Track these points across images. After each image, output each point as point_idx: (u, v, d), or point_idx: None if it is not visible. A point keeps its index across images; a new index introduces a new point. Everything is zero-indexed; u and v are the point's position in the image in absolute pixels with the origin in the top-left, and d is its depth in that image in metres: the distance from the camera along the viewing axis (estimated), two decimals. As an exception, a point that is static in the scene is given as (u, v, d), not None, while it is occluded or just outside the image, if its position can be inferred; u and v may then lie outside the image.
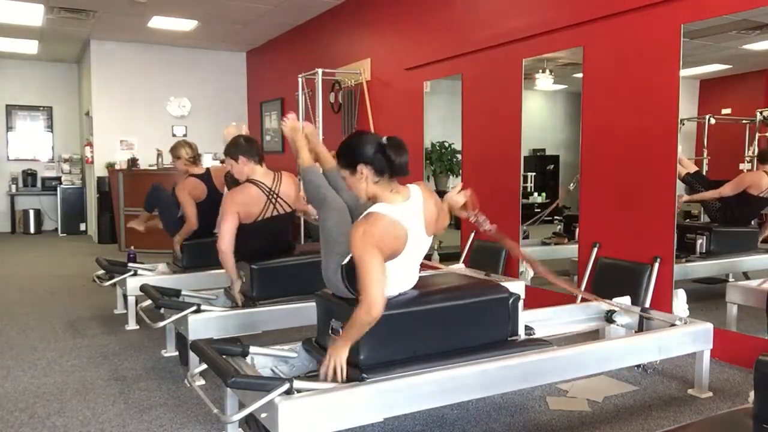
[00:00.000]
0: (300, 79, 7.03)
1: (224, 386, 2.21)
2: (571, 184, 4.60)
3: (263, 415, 2.08)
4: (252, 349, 2.46)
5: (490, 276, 4.28)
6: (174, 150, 4.64)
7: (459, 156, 5.50)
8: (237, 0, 7.08)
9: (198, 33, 8.62)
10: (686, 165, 4.20)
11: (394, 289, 2.36)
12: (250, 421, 2.34)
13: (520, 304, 2.65)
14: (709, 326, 3.01)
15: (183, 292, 3.68)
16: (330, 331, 2.47)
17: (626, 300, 3.41)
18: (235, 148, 3.56)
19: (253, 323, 3.38)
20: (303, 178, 2.91)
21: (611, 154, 4.08)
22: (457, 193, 2.62)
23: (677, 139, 3.67)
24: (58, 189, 10.26)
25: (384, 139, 2.30)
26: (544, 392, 3.07)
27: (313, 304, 2.65)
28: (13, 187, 10.48)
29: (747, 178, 4.10)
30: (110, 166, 8.87)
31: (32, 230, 10.39)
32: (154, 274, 4.50)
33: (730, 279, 4.14)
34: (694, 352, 3.01)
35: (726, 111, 4.13)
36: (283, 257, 3.58)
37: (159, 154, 8.47)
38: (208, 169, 4.66)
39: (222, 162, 6.67)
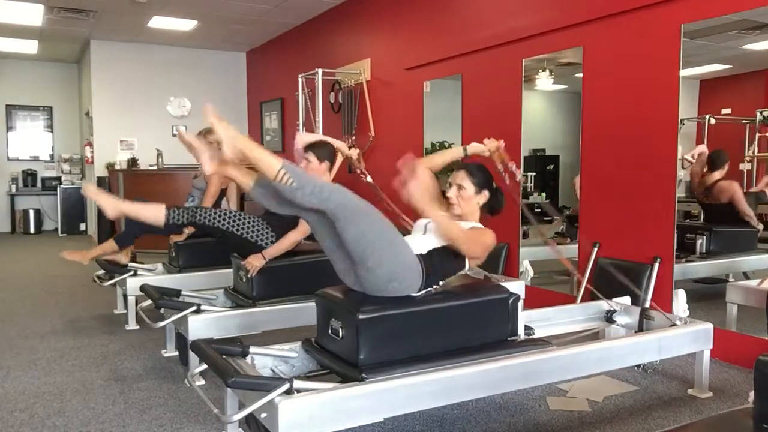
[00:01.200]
0: (300, 79, 7.03)
1: (224, 386, 2.21)
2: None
3: (263, 415, 2.08)
4: (252, 349, 2.45)
5: (489, 276, 4.28)
6: (213, 134, 4.63)
7: (459, 156, 5.49)
8: (237, 0, 7.08)
9: (198, 33, 8.62)
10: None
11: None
12: (250, 421, 2.34)
13: (520, 304, 2.64)
14: (709, 326, 3.01)
15: (183, 292, 3.67)
16: (330, 331, 2.47)
17: (626, 300, 3.41)
18: (328, 153, 3.69)
19: (253, 323, 3.38)
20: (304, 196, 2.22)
21: (611, 154, 4.08)
22: (486, 142, 3.04)
23: (677, 139, 3.67)
24: (58, 189, 10.26)
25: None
26: (544, 392, 3.07)
27: (313, 304, 2.65)
28: (13, 187, 10.48)
29: (692, 181, 4.14)
30: (110, 166, 8.87)
31: (32, 230, 10.40)
32: (154, 274, 4.50)
33: (730, 279, 4.13)
34: (694, 352, 3.01)
35: (726, 111, 4.12)
36: (283, 258, 3.58)
37: (159, 154, 8.47)
38: None
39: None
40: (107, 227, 8.87)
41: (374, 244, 2.29)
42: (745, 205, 3.96)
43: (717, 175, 4.07)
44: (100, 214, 8.94)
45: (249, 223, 3.62)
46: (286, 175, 2.19)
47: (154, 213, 3.31)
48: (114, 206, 3.04)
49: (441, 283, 2.54)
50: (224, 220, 3.59)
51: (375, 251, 2.29)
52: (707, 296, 4.11)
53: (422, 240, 2.57)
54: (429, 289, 2.49)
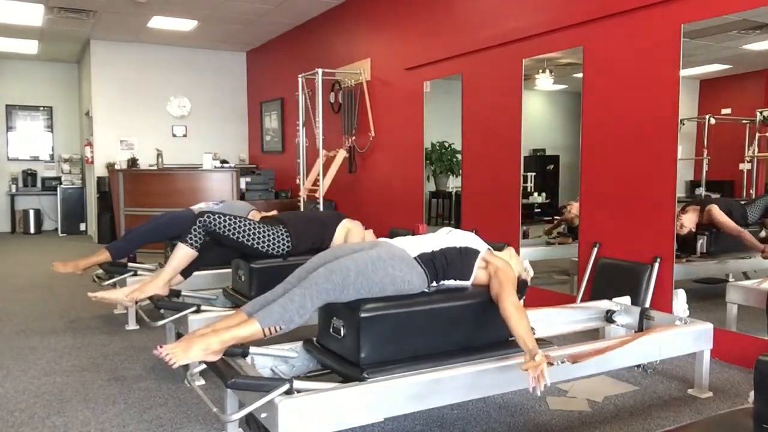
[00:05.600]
0: (300, 79, 7.03)
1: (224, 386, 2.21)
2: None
3: (263, 415, 2.08)
4: (252, 349, 2.45)
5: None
6: None
7: (459, 156, 5.50)
8: (237, 0, 7.08)
9: (198, 33, 8.62)
10: None
11: None
12: (250, 421, 2.34)
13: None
14: (709, 326, 3.01)
15: (183, 292, 3.67)
16: (331, 330, 2.47)
17: (626, 300, 3.41)
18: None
19: (253, 323, 3.37)
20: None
21: (611, 154, 4.08)
22: None
23: (677, 139, 3.67)
24: (58, 189, 10.26)
25: None
26: (544, 392, 3.06)
27: (313, 304, 2.64)
28: (13, 187, 10.48)
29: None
30: (110, 166, 8.87)
31: (32, 230, 10.40)
32: (153, 274, 4.49)
33: (730, 279, 4.13)
34: (694, 352, 3.01)
35: (726, 111, 4.12)
36: (282, 257, 3.58)
37: (159, 154, 8.47)
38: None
39: (222, 161, 6.60)
40: (108, 228, 8.89)
41: (371, 285, 2.37)
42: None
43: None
44: (100, 214, 8.97)
45: (263, 233, 3.57)
46: (272, 327, 2.30)
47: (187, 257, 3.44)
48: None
49: (444, 281, 2.59)
50: (240, 230, 3.53)
51: (373, 287, 2.37)
52: (707, 296, 4.11)
53: (428, 241, 2.64)
54: (435, 283, 2.57)
